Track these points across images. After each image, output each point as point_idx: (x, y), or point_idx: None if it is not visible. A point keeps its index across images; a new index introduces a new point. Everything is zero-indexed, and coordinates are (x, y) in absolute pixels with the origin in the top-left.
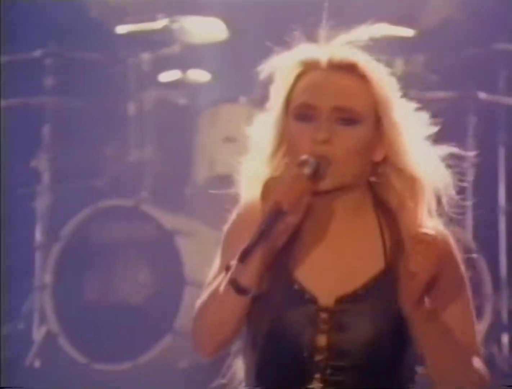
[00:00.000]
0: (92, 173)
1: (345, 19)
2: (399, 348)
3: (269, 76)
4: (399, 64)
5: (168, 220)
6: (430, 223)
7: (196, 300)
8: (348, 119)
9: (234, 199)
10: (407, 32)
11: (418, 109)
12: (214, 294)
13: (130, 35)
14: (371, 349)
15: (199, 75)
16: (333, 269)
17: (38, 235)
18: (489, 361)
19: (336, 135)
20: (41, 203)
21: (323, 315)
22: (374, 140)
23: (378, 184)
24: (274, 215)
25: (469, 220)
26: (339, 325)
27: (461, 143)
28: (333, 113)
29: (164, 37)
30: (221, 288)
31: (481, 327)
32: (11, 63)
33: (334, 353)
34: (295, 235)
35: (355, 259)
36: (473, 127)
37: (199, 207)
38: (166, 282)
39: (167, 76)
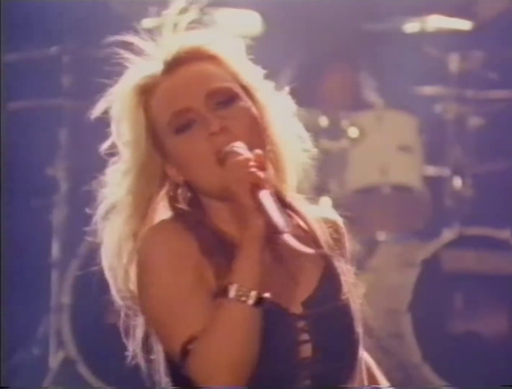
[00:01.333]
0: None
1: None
2: None
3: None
4: (454, 60)
5: None
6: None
7: None
8: (226, 99)
9: None
10: (463, 24)
11: None
12: (219, 322)
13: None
14: (352, 341)
15: None
16: (281, 277)
17: (55, 251)
18: None
19: (226, 119)
20: (58, 215)
21: (300, 324)
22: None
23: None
24: (255, 193)
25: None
26: (319, 329)
27: None
28: (208, 101)
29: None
30: (227, 311)
31: None
32: (24, 61)
33: (321, 357)
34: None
35: (297, 261)
36: None
37: None
38: None
39: None
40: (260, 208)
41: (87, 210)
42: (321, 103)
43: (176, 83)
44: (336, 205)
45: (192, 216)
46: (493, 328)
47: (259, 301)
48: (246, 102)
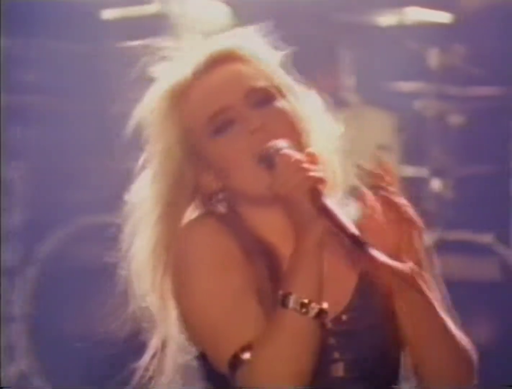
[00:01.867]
0: (75, 184)
1: None
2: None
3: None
4: (435, 55)
5: None
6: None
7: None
8: (264, 98)
9: None
10: (444, 17)
11: None
12: (277, 332)
13: (116, 22)
14: (386, 356)
15: None
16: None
17: (9, 258)
18: None
19: (265, 117)
20: (13, 220)
21: (331, 340)
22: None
23: None
24: (319, 198)
25: None
26: (351, 347)
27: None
28: (247, 100)
29: (157, 25)
30: (286, 323)
31: None
32: None
33: (355, 379)
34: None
35: (332, 271)
36: None
37: None
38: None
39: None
40: (322, 212)
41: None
42: None
43: (211, 84)
44: None
45: (230, 218)
46: (473, 335)
47: (320, 313)
48: (282, 102)
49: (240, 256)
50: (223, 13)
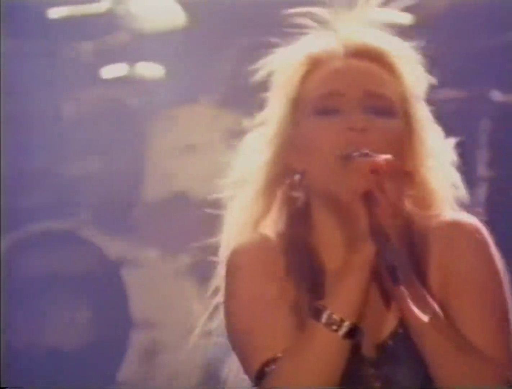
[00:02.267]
0: (18, 189)
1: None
2: None
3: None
4: None
5: (113, 247)
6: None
7: (145, 345)
8: (382, 108)
9: (196, 222)
10: (404, 18)
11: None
12: (305, 346)
13: (65, 21)
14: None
15: (151, 70)
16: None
17: None
18: None
19: (371, 125)
20: None
21: (371, 370)
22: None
23: None
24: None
25: None
26: (392, 380)
27: (471, 152)
28: (364, 100)
29: (107, 23)
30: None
31: None
32: None
33: None
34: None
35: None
36: (486, 134)
37: (151, 231)
38: (109, 324)
39: (112, 71)
40: (376, 232)
41: None
42: (248, 104)
43: (345, 68)
44: None
45: (292, 232)
46: None
47: (351, 332)
48: (398, 120)
49: (281, 273)
50: (174, 12)
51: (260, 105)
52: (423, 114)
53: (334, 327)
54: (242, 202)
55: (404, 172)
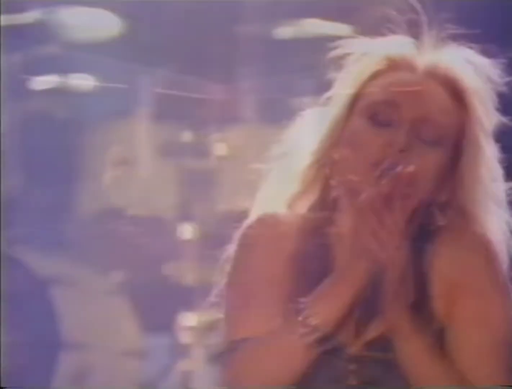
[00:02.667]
0: None
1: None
2: None
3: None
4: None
5: (42, 265)
6: None
7: (75, 366)
8: (431, 137)
9: (128, 238)
10: (343, 29)
11: None
12: (273, 340)
13: None
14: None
15: (83, 82)
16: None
17: None
18: None
19: (410, 149)
20: None
21: (352, 366)
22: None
23: None
24: None
25: None
26: (369, 375)
27: None
28: (417, 123)
29: (37, 33)
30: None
31: None
32: None
33: None
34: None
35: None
36: None
37: (84, 248)
38: (37, 347)
39: (42, 82)
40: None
41: None
42: (186, 116)
43: (414, 83)
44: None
45: (315, 219)
46: None
47: (322, 341)
48: (442, 156)
49: (291, 250)
50: (109, 22)
51: (328, 84)
52: (483, 150)
53: (305, 330)
54: (281, 176)
55: (435, 200)
